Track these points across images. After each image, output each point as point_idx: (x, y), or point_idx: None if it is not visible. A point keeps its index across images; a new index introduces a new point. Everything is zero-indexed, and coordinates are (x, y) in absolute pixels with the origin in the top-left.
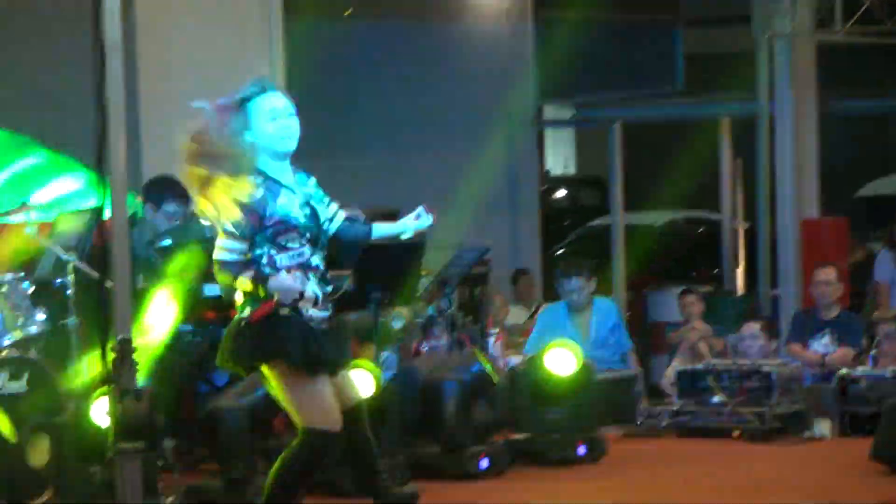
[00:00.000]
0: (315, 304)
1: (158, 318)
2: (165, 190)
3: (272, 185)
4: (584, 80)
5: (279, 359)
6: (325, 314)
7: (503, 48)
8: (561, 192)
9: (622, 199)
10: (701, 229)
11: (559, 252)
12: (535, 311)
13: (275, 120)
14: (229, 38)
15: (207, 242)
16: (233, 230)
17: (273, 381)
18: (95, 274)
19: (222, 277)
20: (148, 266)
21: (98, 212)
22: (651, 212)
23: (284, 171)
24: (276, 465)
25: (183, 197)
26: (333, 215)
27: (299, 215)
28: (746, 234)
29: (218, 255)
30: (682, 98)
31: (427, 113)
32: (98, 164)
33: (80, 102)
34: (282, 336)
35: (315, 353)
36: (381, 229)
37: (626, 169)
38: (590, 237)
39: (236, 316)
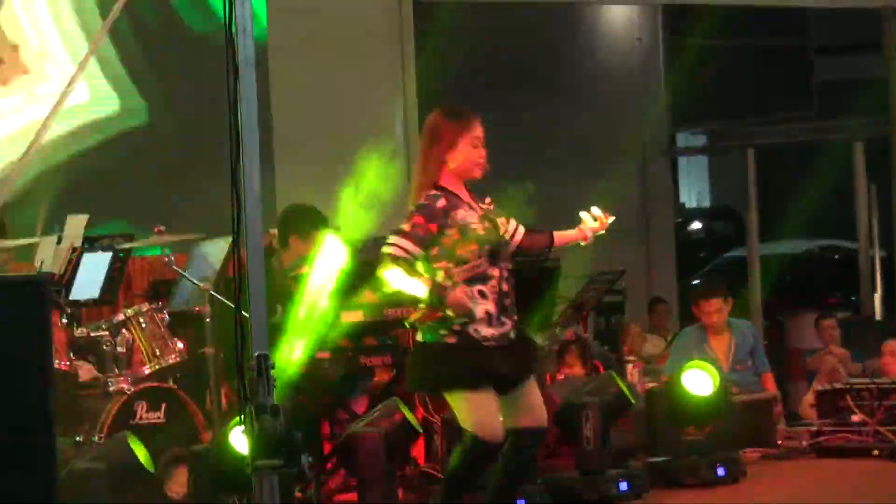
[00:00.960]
0: (489, 322)
1: (296, 346)
2: (306, 220)
3: (452, 198)
4: (716, 107)
5: (447, 388)
6: (503, 331)
7: (634, 76)
8: (696, 225)
9: (757, 225)
10: (837, 255)
11: (695, 282)
12: (672, 341)
13: (476, 148)
14: (360, 67)
15: (344, 269)
16: (407, 230)
17: (450, 403)
18: (231, 304)
19: (387, 270)
20: (286, 295)
21: (234, 241)
22: (786, 241)
23: (462, 190)
24: (448, 466)
25: (324, 225)
26: (514, 230)
27: (478, 227)
28: (884, 260)
29: (387, 249)
30: (816, 123)
31: (559, 140)
32: (233, 190)
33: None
34: (448, 368)
35: (477, 370)
36: (561, 237)
37: (760, 199)
38: (725, 268)
39: (418, 340)
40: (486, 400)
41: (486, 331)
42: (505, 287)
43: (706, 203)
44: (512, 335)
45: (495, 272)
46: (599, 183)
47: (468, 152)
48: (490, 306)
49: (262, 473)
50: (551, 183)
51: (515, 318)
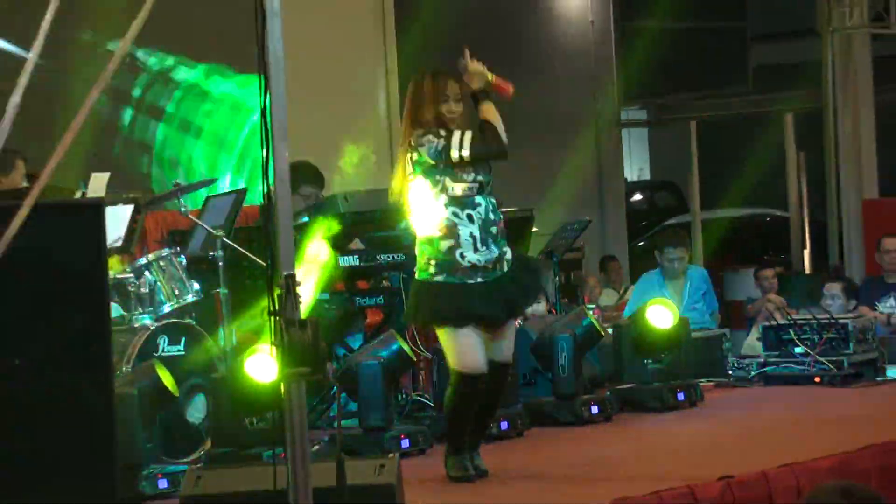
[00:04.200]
0: (474, 247)
1: (303, 290)
2: (301, 174)
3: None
4: (662, 84)
5: (434, 322)
6: (488, 256)
7: (589, 54)
8: (638, 196)
9: (699, 191)
10: (768, 219)
11: (641, 244)
12: (625, 292)
13: (445, 103)
14: (344, 44)
15: (342, 217)
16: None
17: (439, 337)
18: (241, 248)
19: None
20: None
21: (243, 193)
22: (722, 210)
23: None
24: (445, 404)
25: (318, 180)
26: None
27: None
28: (813, 223)
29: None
30: (751, 96)
31: (521, 115)
32: (262, 126)
33: None
34: (435, 303)
35: (462, 309)
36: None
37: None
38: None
39: (416, 278)
40: (466, 337)
41: (471, 255)
42: (492, 216)
43: (647, 177)
44: (503, 267)
45: (482, 202)
46: (557, 153)
47: (438, 108)
48: (475, 230)
49: (290, 380)
50: (513, 154)
51: (506, 249)
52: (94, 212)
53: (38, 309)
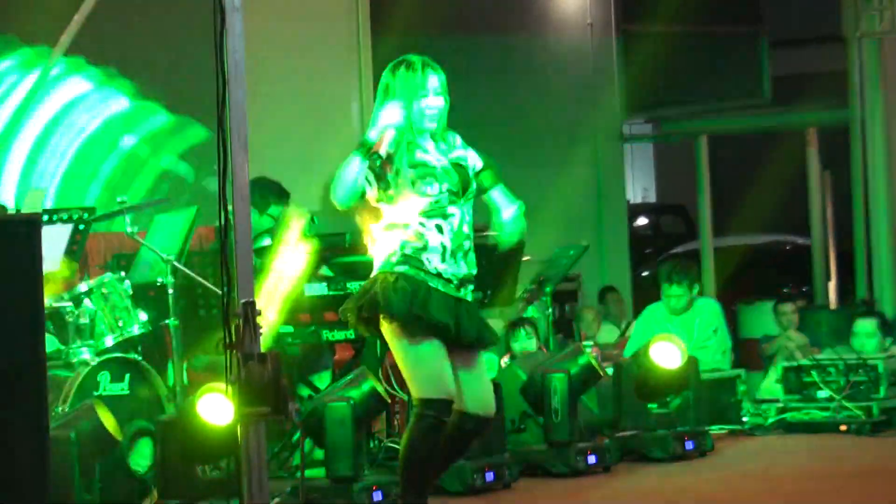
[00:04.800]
0: (443, 256)
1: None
2: (270, 193)
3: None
4: (668, 94)
5: (383, 312)
6: (456, 271)
7: (587, 61)
8: (642, 220)
9: (710, 215)
10: (788, 247)
11: (645, 273)
12: (627, 328)
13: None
14: (317, 50)
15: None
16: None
17: (390, 343)
18: (193, 275)
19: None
20: None
21: (196, 215)
22: (736, 236)
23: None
24: (401, 447)
25: (283, 198)
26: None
27: (437, 165)
28: (838, 250)
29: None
30: (769, 109)
31: (512, 128)
32: (219, 134)
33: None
34: (389, 289)
35: (418, 311)
36: None
37: (710, 190)
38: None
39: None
40: (433, 353)
41: (438, 264)
42: (465, 229)
43: (652, 199)
44: (466, 293)
45: (457, 211)
46: (552, 169)
47: (415, 104)
48: (446, 241)
49: (248, 422)
50: (503, 169)
51: (474, 273)
52: (28, 229)
53: None
